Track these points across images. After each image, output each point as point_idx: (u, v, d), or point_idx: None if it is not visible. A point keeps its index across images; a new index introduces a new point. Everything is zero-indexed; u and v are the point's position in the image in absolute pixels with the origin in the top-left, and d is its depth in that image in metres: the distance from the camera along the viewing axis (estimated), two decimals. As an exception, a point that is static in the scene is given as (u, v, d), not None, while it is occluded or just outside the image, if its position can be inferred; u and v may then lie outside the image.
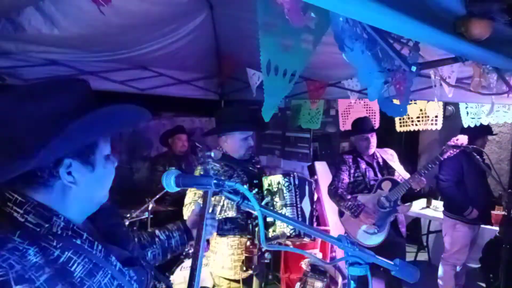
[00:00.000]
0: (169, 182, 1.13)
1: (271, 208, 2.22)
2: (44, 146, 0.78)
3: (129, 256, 1.02)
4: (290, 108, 5.46)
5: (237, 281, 2.39)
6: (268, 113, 1.42)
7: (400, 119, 3.65)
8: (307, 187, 2.43)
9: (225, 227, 2.38)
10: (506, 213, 3.16)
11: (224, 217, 2.30)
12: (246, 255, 2.18)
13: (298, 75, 1.42)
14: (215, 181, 1.09)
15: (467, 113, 3.03)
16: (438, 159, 2.98)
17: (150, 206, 3.41)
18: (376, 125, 3.91)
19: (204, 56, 3.82)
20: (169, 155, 4.32)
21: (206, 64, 4.06)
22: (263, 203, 2.22)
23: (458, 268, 3.67)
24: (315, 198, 2.58)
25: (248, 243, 2.20)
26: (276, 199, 2.26)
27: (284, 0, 0.83)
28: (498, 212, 3.92)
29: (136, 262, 1.04)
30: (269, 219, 2.19)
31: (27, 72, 3.05)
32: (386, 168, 3.32)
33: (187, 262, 3.10)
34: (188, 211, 2.29)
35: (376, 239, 3.12)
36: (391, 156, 3.38)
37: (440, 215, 3.99)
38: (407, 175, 3.18)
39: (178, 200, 3.44)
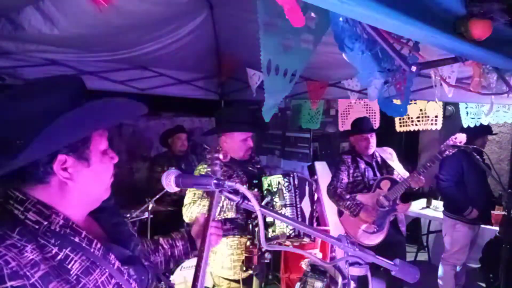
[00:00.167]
0: (169, 182, 1.13)
1: (271, 208, 2.22)
2: (33, 141, 0.79)
3: (130, 255, 1.02)
4: (291, 108, 5.47)
5: (237, 281, 2.39)
6: (269, 113, 1.42)
7: (400, 119, 3.65)
8: (307, 188, 2.43)
9: (225, 227, 2.38)
10: (506, 213, 3.16)
11: (223, 218, 2.30)
12: (246, 255, 2.18)
13: (299, 75, 1.42)
14: (215, 181, 1.09)
15: (467, 113, 3.03)
16: (437, 158, 2.99)
17: (150, 206, 3.41)
18: (376, 125, 3.91)
19: (204, 56, 3.82)
20: (169, 155, 4.32)
21: (206, 64, 4.05)
22: (263, 203, 2.22)
23: (458, 268, 3.67)
24: (315, 198, 2.57)
25: (248, 243, 2.20)
26: (276, 199, 2.26)
27: (284, 0, 0.83)
28: (498, 212, 3.92)
29: (137, 261, 1.04)
30: (268, 219, 2.19)
31: (27, 72, 3.05)
32: (385, 167, 3.32)
33: (187, 262, 3.10)
34: (188, 212, 2.29)
35: (376, 239, 3.12)
36: (390, 155, 3.38)
37: (440, 215, 3.99)
38: (406, 174, 3.18)
39: (178, 200, 3.45)
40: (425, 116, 3.51)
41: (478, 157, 3.16)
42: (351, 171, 3.28)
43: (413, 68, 1.28)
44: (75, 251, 0.86)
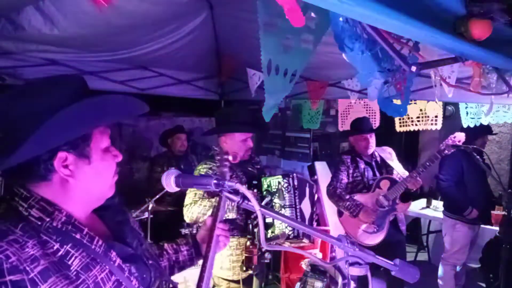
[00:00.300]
0: (169, 182, 1.13)
1: (271, 208, 2.22)
2: (29, 137, 0.80)
3: (132, 253, 1.02)
4: (291, 109, 5.47)
5: (236, 282, 2.38)
6: (269, 113, 1.42)
7: (400, 119, 3.65)
8: (307, 189, 2.43)
9: (225, 228, 2.38)
10: (506, 213, 3.16)
11: (223, 218, 2.29)
12: (246, 255, 2.18)
13: (299, 75, 1.42)
14: (215, 181, 1.09)
15: (467, 113, 3.03)
16: (436, 157, 2.99)
17: (150, 206, 3.41)
18: (376, 125, 3.91)
19: (204, 56, 3.82)
20: (169, 155, 4.32)
21: (206, 64, 4.05)
22: (263, 203, 2.22)
23: (458, 268, 3.67)
24: (315, 198, 2.58)
25: (248, 243, 2.20)
26: (276, 200, 2.26)
27: (284, 0, 0.83)
28: (498, 212, 3.92)
29: (139, 259, 1.04)
30: (268, 220, 2.19)
31: (27, 72, 3.05)
32: (385, 167, 3.32)
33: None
34: (189, 212, 2.29)
35: (376, 238, 3.12)
36: (389, 155, 3.38)
37: (440, 215, 3.99)
38: (405, 173, 3.19)
39: (178, 200, 3.44)
40: (425, 116, 3.51)
41: (478, 157, 3.16)
42: (351, 171, 3.28)
43: (413, 68, 1.28)
44: (76, 247, 0.87)
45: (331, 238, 1.03)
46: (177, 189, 1.15)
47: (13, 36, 2.36)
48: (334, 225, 4.07)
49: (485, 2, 0.98)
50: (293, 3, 0.84)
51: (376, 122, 3.95)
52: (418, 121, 3.56)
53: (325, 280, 3.24)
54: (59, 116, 0.83)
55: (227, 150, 2.46)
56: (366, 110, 4.05)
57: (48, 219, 0.86)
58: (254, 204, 1.03)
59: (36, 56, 2.96)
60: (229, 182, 1.09)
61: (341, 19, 1.26)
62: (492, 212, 3.94)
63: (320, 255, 3.73)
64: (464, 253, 3.61)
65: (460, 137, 2.93)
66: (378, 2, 0.80)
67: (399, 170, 3.25)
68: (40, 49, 2.81)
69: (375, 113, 4.00)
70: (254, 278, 2.27)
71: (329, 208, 4.17)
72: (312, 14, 1.23)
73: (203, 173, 2.33)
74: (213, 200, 2.26)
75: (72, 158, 0.90)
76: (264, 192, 2.31)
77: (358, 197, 3.20)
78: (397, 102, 1.66)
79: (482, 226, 3.79)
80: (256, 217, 2.07)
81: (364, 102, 4.03)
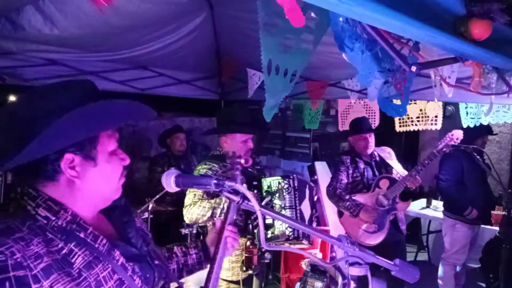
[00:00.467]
0: (169, 182, 1.13)
1: (271, 209, 2.21)
2: (35, 138, 0.83)
3: (136, 253, 1.04)
4: (292, 109, 5.47)
5: (236, 282, 2.38)
6: (270, 113, 1.42)
7: (399, 119, 3.65)
8: (307, 191, 2.42)
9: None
10: (506, 213, 3.16)
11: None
12: (246, 255, 2.18)
13: (299, 75, 1.42)
14: (215, 181, 1.09)
15: (467, 113, 3.03)
16: (434, 155, 2.99)
17: (150, 206, 3.41)
18: (375, 124, 3.91)
19: (204, 56, 3.82)
20: (169, 155, 4.32)
21: (206, 64, 4.06)
22: (263, 203, 2.22)
23: (458, 268, 3.67)
24: (315, 199, 2.58)
25: (248, 243, 2.19)
26: (276, 200, 2.25)
27: (284, 0, 0.83)
28: (498, 212, 3.92)
29: (143, 259, 1.06)
30: (268, 221, 2.18)
31: (27, 72, 3.05)
32: (384, 167, 3.33)
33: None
34: (188, 213, 2.29)
35: (377, 238, 3.12)
36: (388, 155, 3.38)
37: (440, 215, 3.99)
38: (405, 173, 3.19)
39: (178, 200, 3.44)
40: (425, 116, 3.51)
41: (478, 157, 3.16)
42: (350, 171, 3.28)
43: (413, 68, 1.28)
44: (79, 245, 0.90)
45: (331, 238, 1.03)
46: (177, 189, 1.15)
47: (13, 36, 2.36)
48: (334, 225, 4.07)
49: (485, 2, 0.98)
50: (293, 3, 0.84)
51: (375, 122, 3.95)
52: (418, 121, 3.56)
53: (325, 280, 3.24)
54: (65, 117, 0.85)
55: (227, 150, 2.47)
56: (366, 110, 4.05)
57: (54, 218, 0.90)
58: (254, 204, 1.03)
59: (36, 56, 2.96)
60: (229, 182, 1.09)
61: (341, 19, 1.26)
62: (492, 212, 3.94)
63: (320, 255, 3.73)
64: (464, 253, 3.61)
65: (457, 134, 2.93)
66: (378, 2, 0.80)
67: (398, 170, 3.25)
68: (40, 49, 2.81)
69: (374, 113, 4.00)
70: (254, 278, 2.27)
71: (329, 208, 4.16)
72: (312, 14, 1.23)
73: (203, 173, 2.33)
74: (212, 201, 2.26)
75: (79, 160, 0.93)
76: (264, 193, 2.31)
77: (358, 197, 3.20)
78: (397, 102, 1.66)
79: (482, 226, 3.79)
80: (256, 218, 2.07)
81: (364, 102, 4.03)
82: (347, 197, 3.18)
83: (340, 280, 3.58)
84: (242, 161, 1.77)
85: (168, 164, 4.15)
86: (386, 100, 1.62)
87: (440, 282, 3.73)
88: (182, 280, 1.36)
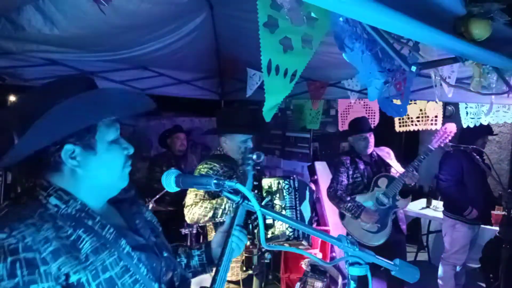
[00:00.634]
0: (169, 182, 1.13)
1: (271, 209, 2.21)
2: (28, 132, 0.89)
3: (143, 243, 1.07)
4: (293, 109, 5.47)
5: (235, 283, 2.38)
6: (269, 113, 1.42)
7: (399, 119, 3.65)
8: (307, 192, 2.42)
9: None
10: (506, 213, 3.16)
11: (223, 220, 2.29)
12: (246, 255, 2.18)
13: (299, 75, 1.42)
14: (215, 181, 1.09)
15: (467, 113, 3.03)
16: (430, 150, 3.01)
17: (150, 206, 3.41)
18: (375, 124, 3.91)
19: (204, 56, 3.82)
20: (169, 155, 4.32)
21: (206, 64, 4.05)
22: (263, 203, 2.22)
23: (458, 268, 3.67)
24: (315, 199, 2.58)
25: (248, 243, 2.19)
26: (276, 201, 2.25)
27: (284, 0, 0.83)
28: (498, 212, 3.92)
29: (150, 249, 1.08)
30: (268, 221, 2.18)
31: (27, 72, 3.05)
32: (384, 166, 3.33)
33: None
34: (190, 213, 2.28)
35: (380, 238, 3.12)
36: (387, 154, 3.39)
37: (440, 215, 3.99)
38: None
39: (178, 200, 3.44)
40: (425, 116, 3.51)
41: (478, 157, 3.16)
42: (350, 172, 3.28)
43: (413, 68, 1.28)
44: (87, 232, 0.95)
45: (331, 238, 1.03)
46: (177, 189, 1.15)
47: (13, 36, 2.35)
48: (334, 225, 4.07)
49: (485, 2, 0.98)
50: (293, 3, 0.84)
51: (375, 122, 3.95)
52: (418, 121, 3.56)
53: (325, 280, 3.23)
54: (56, 108, 0.89)
55: (227, 150, 2.47)
56: (366, 110, 4.05)
57: (64, 206, 0.95)
58: (254, 204, 1.03)
59: (36, 56, 2.96)
60: (229, 182, 1.09)
61: (341, 19, 1.26)
62: (492, 212, 3.94)
63: (320, 255, 3.73)
64: (464, 253, 3.61)
65: (451, 128, 2.94)
66: (378, 2, 0.80)
67: (397, 169, 3.26)
68: (40, 49, 2.81)
69: (374, 113, 4.00)
70: (254, 278, 2.27)
71: (330, 208, 4.17)
72: (312, 14, 1.23)
73: (203, 173, 2.33)
74: (214, 202, 2.26)
75: (79, 150, 0.96)
76: (265, 193, 2.31)
77: (358, 198, 3.20)
78: (397, 102, 1.66)
79: (482, 226, 3.79)
80: (256, 218, 2.07)
81: (364, 102, 4.03)
82: (348, 198, 3.18)
83: (340, 280, 3.58)
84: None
85: (168, 164, 4.15)
86: (386, 100, 1.62)
87: (440, 282, 3.73)
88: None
